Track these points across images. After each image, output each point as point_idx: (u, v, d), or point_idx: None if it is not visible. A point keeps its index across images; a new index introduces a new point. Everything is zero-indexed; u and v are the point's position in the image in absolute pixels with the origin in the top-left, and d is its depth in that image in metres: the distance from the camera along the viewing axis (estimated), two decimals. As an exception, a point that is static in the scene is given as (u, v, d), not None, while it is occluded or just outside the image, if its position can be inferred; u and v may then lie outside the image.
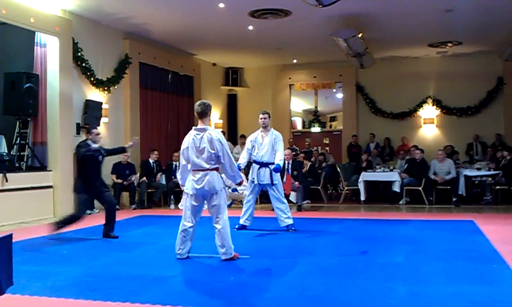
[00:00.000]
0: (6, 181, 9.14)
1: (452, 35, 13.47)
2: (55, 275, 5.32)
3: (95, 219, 9.85)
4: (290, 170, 11.02)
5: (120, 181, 11.53)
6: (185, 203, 6.05)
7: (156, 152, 12.45)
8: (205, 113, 5.97)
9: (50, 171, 10.30)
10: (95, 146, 7.65)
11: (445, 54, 15.53)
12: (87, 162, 7.58)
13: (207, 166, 5.86)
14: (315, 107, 18.11)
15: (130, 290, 4.70)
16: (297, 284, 4.89)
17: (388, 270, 5.38)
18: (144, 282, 4.99)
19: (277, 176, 8.13)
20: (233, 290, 4.75)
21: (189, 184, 5.96)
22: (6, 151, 9.94)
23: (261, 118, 8.20)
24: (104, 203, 7.79)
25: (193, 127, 6.07)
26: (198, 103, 6.08)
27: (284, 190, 11.01)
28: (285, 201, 8.27)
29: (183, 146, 6.03)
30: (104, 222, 7.74)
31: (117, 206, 8.46)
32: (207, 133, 5.91)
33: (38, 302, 4.43)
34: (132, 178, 11.71)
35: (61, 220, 7.73)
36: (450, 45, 14.34)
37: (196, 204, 5.97)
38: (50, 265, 5.84)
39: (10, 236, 3.61)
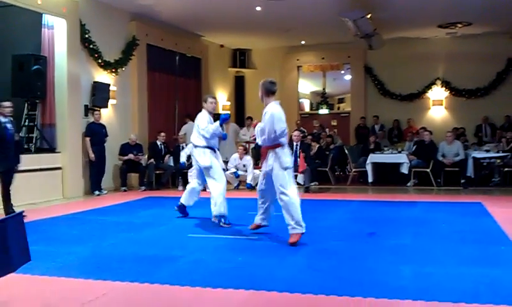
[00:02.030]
0: (16, 162, 9.18)
1: (461, 16, 13.30)
2: (64, 255, 5.38)
3: (105, 200, 9.96)
4: (298, 152, 11.05)
5: (127, 157, 11.59)
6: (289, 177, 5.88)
7: (163, 134, 12.44)
8: (273, 91, 6.18)
9: (59, 152, 10.37)
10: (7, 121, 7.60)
11: (454, 35, 15.34)
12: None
13: None
14: (323, 89, 18.00)
15: (139, 270, 4.74)
16: (305, 265, 4.92)
17: (395, 252, 5.39)
18: (153, 262, 5.04)
19: None
20: (241, 270, 4.78)
21: (289, 157, 5.96)
22: (15, 133, 10.00)
23: (213, 103, 7.49)
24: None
25: (275, 101, 6.07)
26: (269, 80, 6.27)
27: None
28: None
29: (284, 124, 5.90)
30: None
31: None
32: None
33: (48, 281, 4.48)
34: (140, 157, 11.75)
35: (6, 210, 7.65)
36: (459, 25, 14.16)
37: None
38: (59, 246, 5.89)
39: (21, 214, 3.66)
